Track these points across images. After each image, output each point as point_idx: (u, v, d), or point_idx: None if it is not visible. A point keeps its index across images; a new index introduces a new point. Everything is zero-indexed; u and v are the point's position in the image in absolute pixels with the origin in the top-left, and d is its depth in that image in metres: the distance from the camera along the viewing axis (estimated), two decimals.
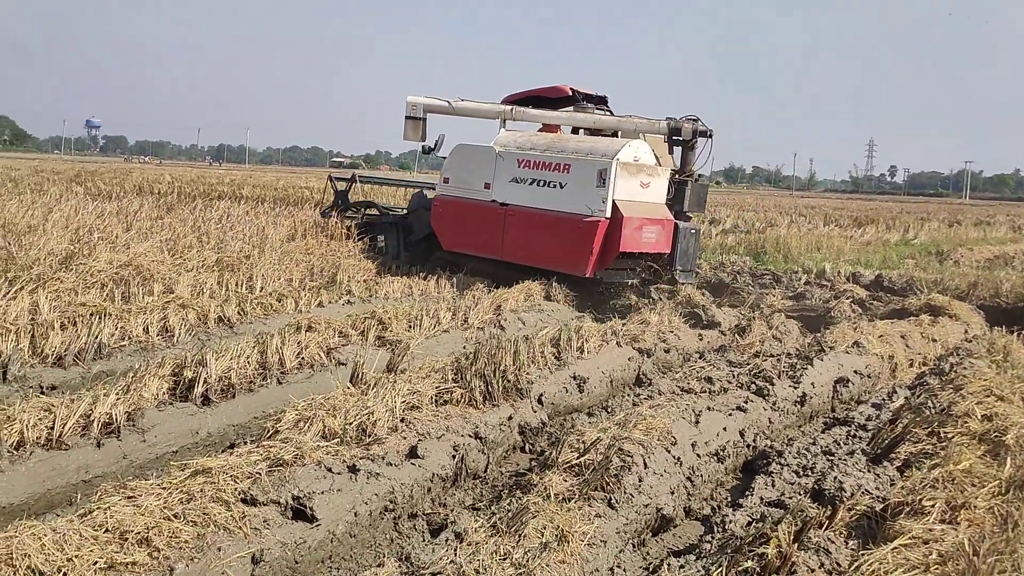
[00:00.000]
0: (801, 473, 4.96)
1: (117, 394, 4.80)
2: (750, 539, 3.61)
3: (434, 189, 12.87)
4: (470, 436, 5.05)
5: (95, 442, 4.46)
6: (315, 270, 9.99)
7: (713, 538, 4.03)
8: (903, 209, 47.69)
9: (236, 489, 3.68)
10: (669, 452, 4.78)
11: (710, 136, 11.83)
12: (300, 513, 3.74)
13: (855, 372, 7.35)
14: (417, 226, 12.51)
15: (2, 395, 5.30)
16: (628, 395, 6.74)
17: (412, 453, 4.58)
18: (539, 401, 6.02)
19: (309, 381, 6.08)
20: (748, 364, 7.14)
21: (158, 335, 6.70)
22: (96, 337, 6.17)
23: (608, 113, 12.66)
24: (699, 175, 12.03)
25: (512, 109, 12.62)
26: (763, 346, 8.13)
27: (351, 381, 5.62)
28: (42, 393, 5.41)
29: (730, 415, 5.68)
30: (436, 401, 5.34)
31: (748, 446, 5.59)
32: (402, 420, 4.88)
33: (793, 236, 19.63)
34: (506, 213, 11.42)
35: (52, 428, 4.36)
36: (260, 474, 3.83)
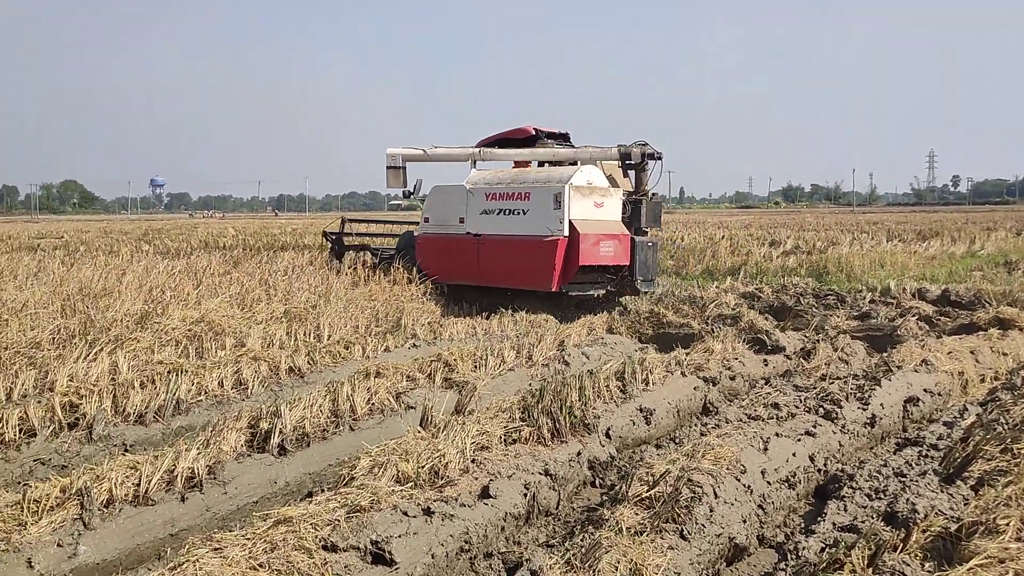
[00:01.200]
0: (873, 496, 4.91)
1: (198, 448, 4.97)
2: (824, 565, 3.61)
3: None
4: (540, 474, 5.11)
5: (180, 496, 4.63)
6: (380, 316, 10.18)
7: (787, 566, 4.03)
8: (968, 219, 46.58)
9: (317, 536, 3.79)
10: (739, 480, 4.78)
11: (659, 158, 13.20)
12: (379, 557, 3.83)
13: (925, 391, 7.25)
14: (407, 261, 13.76)
15: (89, 454, 5.53)
16: (695, 425, 6.74)
17: (484, 493, 4.66)
18: (607, 435, 6.07)
19: (380, 426, 6.21)
20: (815, 388, 7.09)
21: (233, 388, 6.90)
22: (174, 394, 6.39)
23: (568, 147, 14.00)
24: (653, 194, 13.35)
25: (480, 151, 14.15)
26: (829, 369, 8.06)
27: (421, 424, 5.72)
28: (126, 451, 5.63)
29: (799, 440, 5.65)
30: (505, 440, 5.42)
31: (819, 471, 5.55)
32: (473, 461, 4.97)
33: (856, 254, 19.37)
34: (479, 242, 12.60)
35: (138, 485, 4.54)
36: (339, 521, 3.94)
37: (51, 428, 5.67)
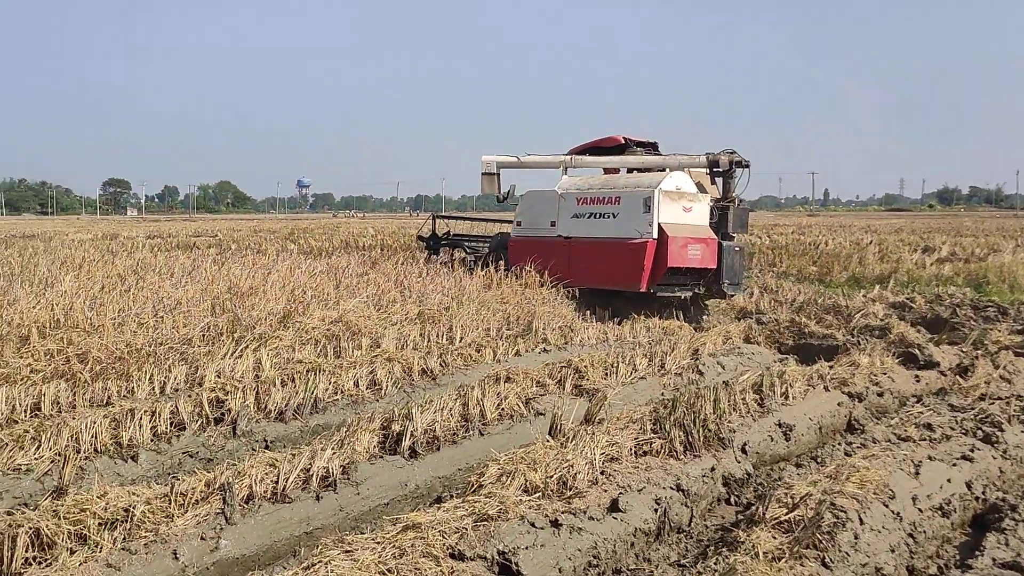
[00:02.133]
0: None
1: (332, 448, 5.06)
2: None
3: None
4: (672, 488, 4.97)
5: (315, 495, 4.72)
6: (511, 319, 10.19)
7: None
8: None
9: (444, 544, 3.79)
10: (887, 507, 4.51)
11: (746, 166, 13.54)
12: (505, 568, 3.80)
13: None
14: (500, 256, 14.38)
15: (232, 449, 5.74)
16: (839, 443, 6.44)
17: (613, 507, 4.56)
18: (743, 450, 5.86)
19: (509, 432, 6.19)
20: (973, 408, 6.64)
21: (367, 388, 7.03)
22: (312, 392, 6.55)
23: (657, 155, 14.60)
24: (740, 200, 13.68)
25: (572, 158, 14.73)
26: (989, 388, 7.53)
27: (550, 432, 5.67)
28: (267, 447, 5.81)
29: (954, 465, 5.29)
30: (635, 452, 5.30)
31: (976, 499, 5.18)
32: (602, 472, 4.88)
33: (1020, 262, 18.15)
34: (570, 245, 13.20)
35: (277, 482, 4.66)
36: (466, 529, 3.93)
37: (199, 422, 5.89)
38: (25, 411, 5.91)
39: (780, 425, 6.36)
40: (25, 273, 11.79)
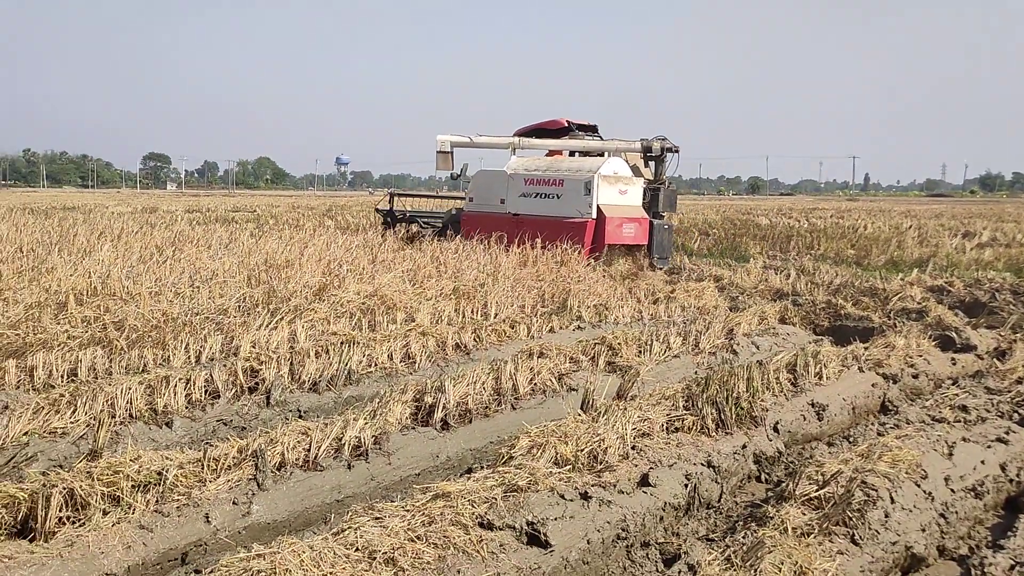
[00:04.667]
0: None
1: (365, 419, 5.11)
2: None
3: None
4: (702, 465, 4.96)
5: (346, 464, 4.77)
6: (546, 296, 10.19)
7: None
8: None
9: (474, 513, 3.81)
10: (919, 486, 4.47)
11: (676, 151, 15.60)
12: (534, 539, 3.81)
13: None
14: (453, 230, 16.12)
15: (266, 418, 5.81)
16: (872, 424, 6.37)
17: (644, 481, 4.56)
18: (775, 429, 5.82)
19: (541, 407, 6.20)
20: (1010, 391, 6.55)
21: (401, 362, 7.07)
22: (346, 364, 6.61)
23: (597, 138, 16.35)
24: (669, 182, 15.75)
25: (520, 140, 16.31)
26: None
27: (582, 407, 5.67)
28: (300, 417, 5.87)
29: (989, 447, 5.22)
30: (667, 428, 5.29)
31: (1011, 481, 5.11)
32: (633, 447, 4.88)
33: None
34: (519, 221, 14.87)
35: (309, 450, 4.71)
36: (496, 499, 3.95)
37: (233, 391, 5.97)
38: (62, 376, 6.04)
39: (813, 405, 6.31)
40: (63, 242, 12.00)
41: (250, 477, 4.37)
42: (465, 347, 7.68)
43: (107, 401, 5.33)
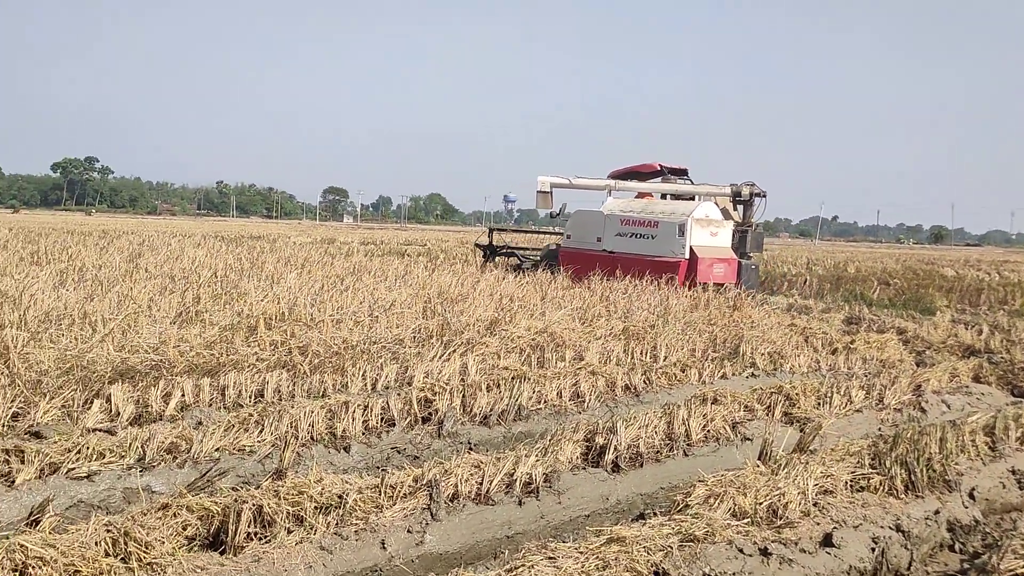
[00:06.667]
0: None
1: (536, 456, 5.09)
2: None
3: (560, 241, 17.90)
4: (891, 528, 4.65)
5: (517, 500, 4.75)
6: (718, 340, 9.94)
7: None
8: None
9: (649, 561, 3.70)
10: None
11: (764, 196, 16.42)
12: None
13: None
14: (549, 264, 17.02)
15: (438, 448, 5.88)
16: None
17: (827, 541, 4.31)
18: (970, 495, 5.40)
19: (715, 455, 6.01)
20: None
21: (570, 400, 7.04)
22: (516, 400, 6.62)
23: (688, 182, 17.27)
24: (757, 225, 16.58)
25: (616, 183, 17.30)
26: None
27: (759, 458, 5.45)
28: (470, 449, 5.91)
29: None
30: (851, 487, 5.00)
31: None
32: (815, 504, 4.64)
33: None
34: (614, 258, 15.74)
35: (481, 484, 4.73)
36: (672, 548, 3.83)
37: (407, 420, 6.09)
38: (250, 397, 6.33)
39: (1014, 472, 5.83)
40: (254, 270, 12.70)
41: (424, 506, 4.42)
42: (635, 389, 7.57)
43: (291, 423, 5.54)
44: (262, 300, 8.99)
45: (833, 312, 14.89)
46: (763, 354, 9.50)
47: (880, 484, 5.06)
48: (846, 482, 5.00)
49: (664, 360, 8.76)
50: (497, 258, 19.95)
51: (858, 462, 5.25)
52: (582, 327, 9.58)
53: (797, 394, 7.22)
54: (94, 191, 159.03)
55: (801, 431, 6.20)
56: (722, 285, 14.84)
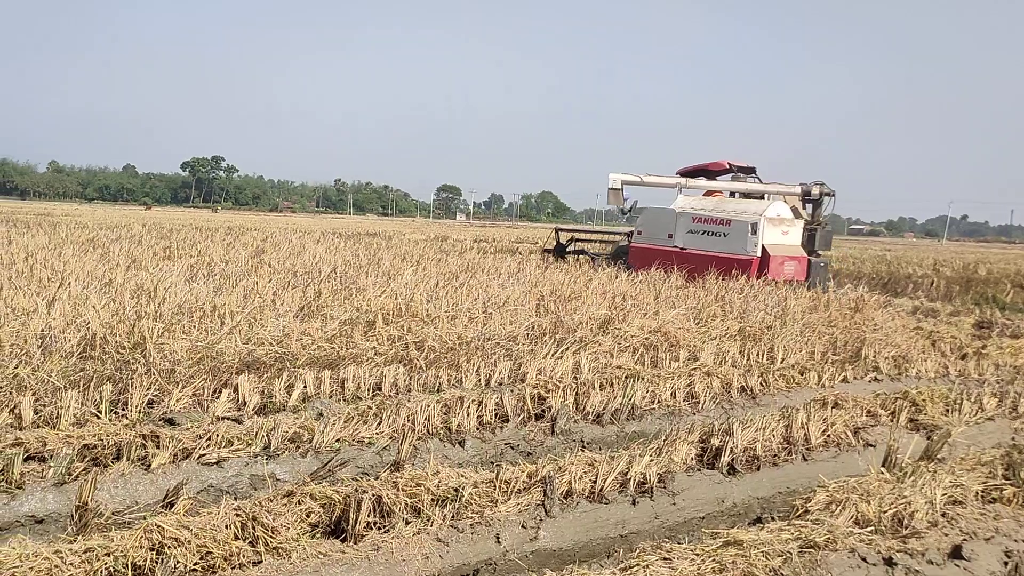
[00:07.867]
0: None
1: (650, 456, 5.05)
2: None
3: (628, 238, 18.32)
4: None
5: (631, 500, 4.73)
6: (838, 343, 9.64)
7: None
8: None
9: (767, 566, 3.63)
10: None
11: (833, 195, 16.91)
12: None
13: None
14: (621, 259, 17.60)
15: (551, 446, 5.90)
16: None
17: (955, 553, 4.14)
18: None
19: (835, 460, 5.84)
20: None
21: (684, 400, 6.95)
22: (629, 399, 6.58)
23: (757, 180, 17.50)
24: (826, 223, 16.89)
25: (686, 181, 17.64)
26: None
27: (883, 465, 5.27)
28: (583, 447, 5.91)
29: None
30: (982, 498, 4.79)
31: None
32: (943, 515, 4.46)
33: None
34: (684, 255, 16.17)
35: (595, 482, 4.72)
36: (791, 554, 3.74)
37: (521, 416, 6.13)
38: (368, 390, 6.48)
39: None
40: (371, 266, 13.00)
41: (538, 503, 4.45)
42: (751, 391, 7.42)
43: (408, 416, 5.65)
44: (380, 296, 9.20)
45: (962, 316, 14.28)
46: (887, 358, 9.17)
47: (1014, 496, 4.84)
48: (977, 492, 4.80)
49: (782, 362, 8.55)
50: (568, 257, 20.52)
51: (990, 472, 5.04)
52: (697, 327, 9.44)
53: (924, 400, 6.95)
54: (220, 189, 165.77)
55: (928, 438, 5.96)
56: (791, 281, 15.13)
